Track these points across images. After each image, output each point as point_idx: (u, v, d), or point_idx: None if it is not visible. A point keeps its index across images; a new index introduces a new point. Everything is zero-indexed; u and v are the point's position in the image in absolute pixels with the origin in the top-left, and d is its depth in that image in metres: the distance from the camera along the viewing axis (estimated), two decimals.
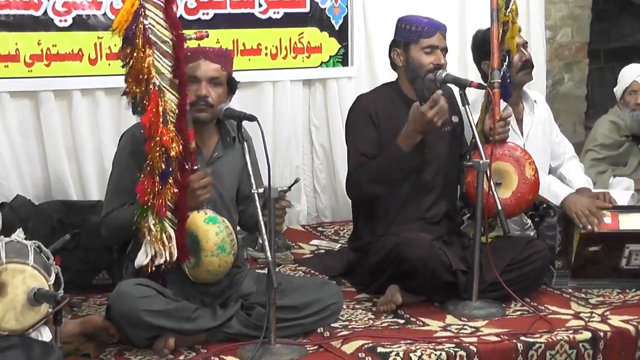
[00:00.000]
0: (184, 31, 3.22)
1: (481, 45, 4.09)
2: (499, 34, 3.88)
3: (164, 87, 3.14)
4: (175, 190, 3.15)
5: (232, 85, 3.43)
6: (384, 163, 3.69)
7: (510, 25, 3.94)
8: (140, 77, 3.08)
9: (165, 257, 3.15)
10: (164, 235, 3.14)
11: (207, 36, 3.51)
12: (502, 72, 3.89)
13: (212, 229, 3.20)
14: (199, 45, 3.53)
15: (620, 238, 3.86)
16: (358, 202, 3.92)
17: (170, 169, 3.12)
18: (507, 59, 3.96)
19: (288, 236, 4.74)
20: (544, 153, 4.28)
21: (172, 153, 3.11)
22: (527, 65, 4.18)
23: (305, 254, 4.50)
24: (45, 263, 2.97)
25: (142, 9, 3.10)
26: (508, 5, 3.91)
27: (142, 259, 3.17)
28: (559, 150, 4.39)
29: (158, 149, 3.09)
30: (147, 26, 3.10)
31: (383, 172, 3.70)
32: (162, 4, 3.16)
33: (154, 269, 3.17)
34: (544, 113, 4.35)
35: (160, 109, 3.09)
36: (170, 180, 3.15)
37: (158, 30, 3.14)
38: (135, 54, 3.08)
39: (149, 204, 3.11)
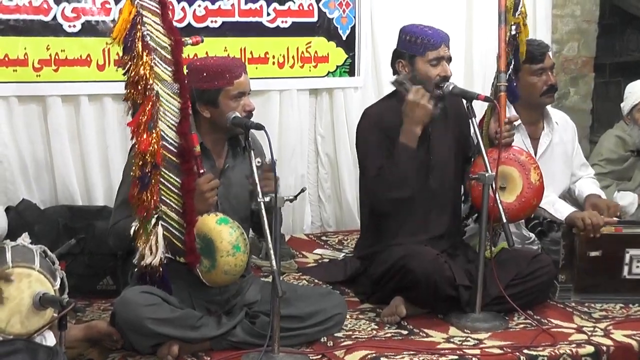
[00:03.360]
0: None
1: None
2: (507, 36, 3.87)
3: (166, 92, 3.16)
4: (157, 198, 3.15)
5: None
6: (396, 165, 3.68)
7: (522, 27, 3.94)
8: (139, 83, 3.11)
9: (146, 260, 3.15)
10: (150, 237, 3.15)
11: (202, 41, 3.49)
12: (508, 75, 3.88)
13: (226, 229, 3.19)
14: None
15: (620, 241, 3.86)
16: (378, 213, 3.86)
17: (149, 175, 3.12)
18: (512, 63, 3.95)
19: (292, 245, 4.75)
20: (562, 174, 4.28)
21: (149, 159, 3.11)
22: (552, 89, 4.16)
23: (309, 263, 4.50)
24: (51, 267, 2.97)
25: (139, 17, 3.13)
26: (517, 7, 3.91)
27: (136, 256, 3.21)
28: (579, 173, 4.38)
29: (137, 154, 3.12)
30: (145, 33, 3.12)
31: (397, 175, 3.68)
32: (158, 11, 3.19)
33: (146, 268, 3.18)
34: (565, 135, 4.31)
35: (147, 114, 3.10)
36: (172, 185, 3.18)
37: (156, 37, 3.17)
38: (133, 61, 3.11)
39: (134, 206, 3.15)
